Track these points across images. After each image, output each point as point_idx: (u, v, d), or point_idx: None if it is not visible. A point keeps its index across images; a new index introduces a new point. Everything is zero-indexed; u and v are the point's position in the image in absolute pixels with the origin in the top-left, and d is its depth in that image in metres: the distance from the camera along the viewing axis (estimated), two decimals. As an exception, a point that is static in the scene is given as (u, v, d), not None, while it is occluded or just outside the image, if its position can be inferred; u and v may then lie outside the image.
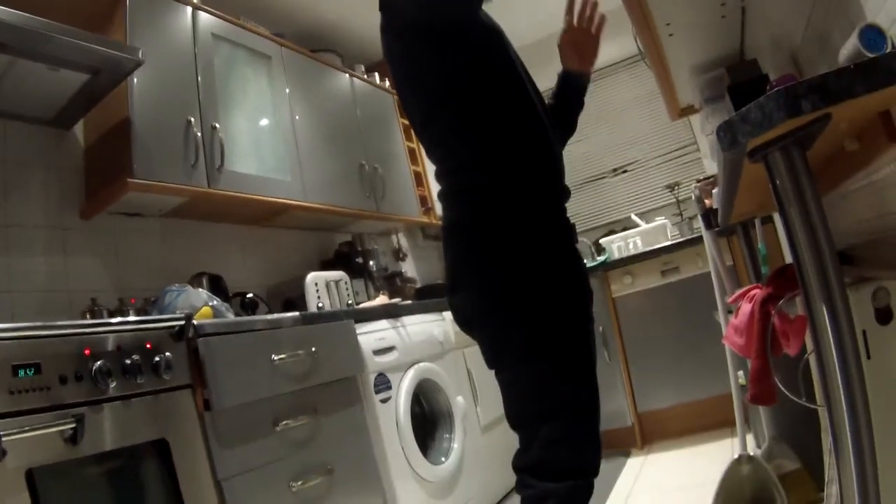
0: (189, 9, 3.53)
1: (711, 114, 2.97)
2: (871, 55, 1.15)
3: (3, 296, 2.67)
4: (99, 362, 1.93)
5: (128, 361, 2.03)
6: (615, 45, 5.52)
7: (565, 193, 1.88)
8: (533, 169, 1.78)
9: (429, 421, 3.57)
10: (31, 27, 2.37)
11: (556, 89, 2.22)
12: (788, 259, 1.83)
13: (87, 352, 1.94)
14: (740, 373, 2.95)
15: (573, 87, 2.21)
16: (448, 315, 3.74)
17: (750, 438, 3.14)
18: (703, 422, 4.33)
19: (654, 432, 4.56)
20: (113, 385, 1.96)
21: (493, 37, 1.85)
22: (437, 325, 3.78)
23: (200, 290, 2.93)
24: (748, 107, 1.00)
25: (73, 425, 1.80)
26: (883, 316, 1.45)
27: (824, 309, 1.06)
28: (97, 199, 3.07)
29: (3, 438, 1.62)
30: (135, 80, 3.01)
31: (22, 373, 1.74)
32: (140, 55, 2.77)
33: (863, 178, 1.42)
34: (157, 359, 2.13)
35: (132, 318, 2.57)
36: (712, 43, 2.87)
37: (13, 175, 2.86)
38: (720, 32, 2.77)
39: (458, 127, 1.78)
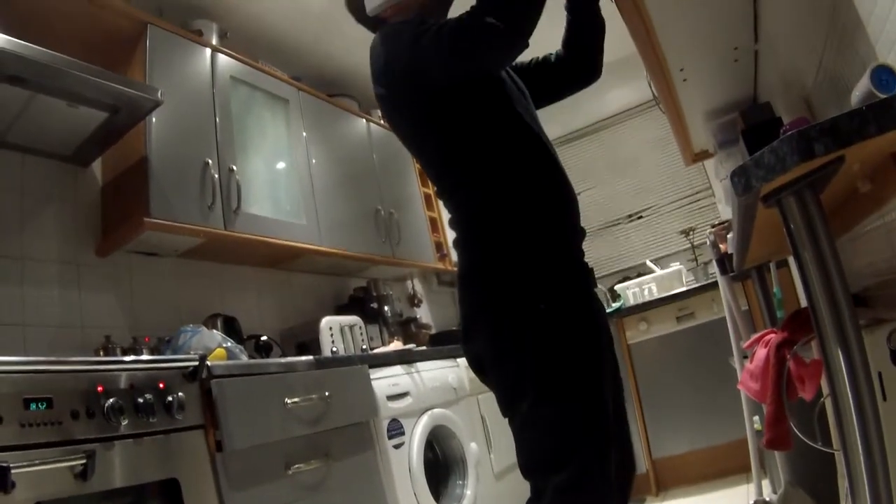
0: (208, 50, 3.59)
1: (726, 158, 2.97)
2: (882, 96, 1.16)
3: (16, 329, 2.68)
4: (111, 399, 1.93)
5: (140, 400, 2.03)
6: (629, 91, 5.57)
7: (580, 235, 1.88)
8: (546, 215, 1.79)
9: (442, 467, 3.53)
10: (52, 63, 2.41)
11: (569, 14, 2.16)
12: (804, 302, 1.82)
13: (99, 388, 1.93)
14: (756, 418, 2.91)
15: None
16: (462, 361, 3.74)
17: (766, 484, 3.10)
18: (719, 468, 4.26)
19: (669, 479, 4.50)
20: (125, 423, 1.95)
21: (490, 83, 1.85)
22: (452, 371, 3.76)
23: (215, 331, 2.93)
24: (761, 151, 1.00)
25: (83, 461, 1.79)
26: (899, 357, 1.43)
27: (839, 352, 1.05)
28: (113, 236, 3.09)
29: (13, 470, 1.61)
30: (153, 119, 3.05)
31: (34, 406, 1.74)
32: (159, 95, 2.81)
33: (876, 219, 1.41)
34: (169, 398, 2.12)
35: (146, 356, 2.58)
36: (726, 87, 2.88)
37: (30, 209, 2.89)
38: (733, 76, 2.79)
39: (469, 178, 1.80)
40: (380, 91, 1.88)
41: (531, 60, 2.18)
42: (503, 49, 1.72)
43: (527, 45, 1.72)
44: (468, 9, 1.71)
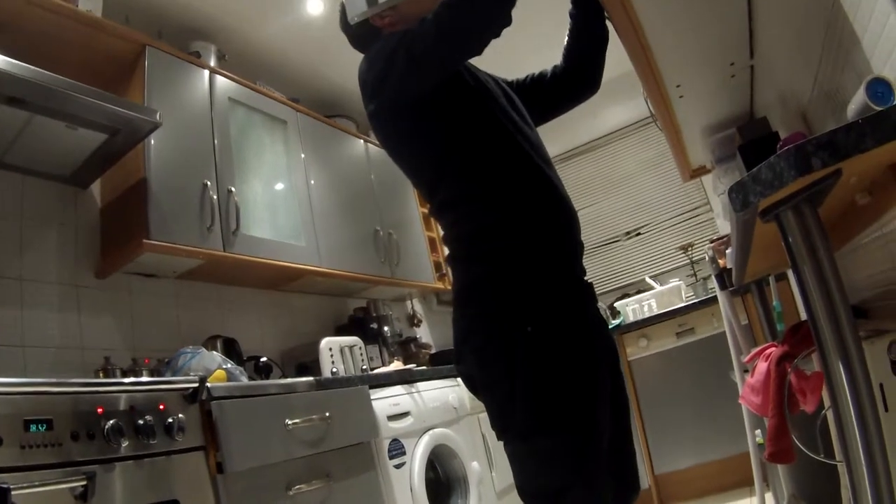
0: (206, 72, 3.61)
1: (723, 174, 2.98)
2: (878, 108, 1.16)
3: (15, 350, 2.67)
4: (111, 421, 1.93)
5: (140, 422, 2.03)
6: (626, 108, 5.60)
7: (579, 250, 1.84)
8: (540, 231, 1.75)
9: (443, 486, 3.52)
10: (51, 85, 2.42)
11: (573, 22, 2.14)
12: (804, 315, 1.82)
13: (99, 410, 1.93)
14: (758, 432, 2.91)
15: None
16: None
17: (769, 497, 3.09)
18: (722, 482, 4.26)
19: (671, 494, 4.49)
20: (125, 444, 1.95)
21: (477, 98, 1.84)
22: (452, 391, 3.75)
23: (214, 352, 2.92)
24: (759, 167, 1.01)
25: (83, 483, 1.79)
26: (899, 368, 1.43)
27: (840, 364, 1.05)
28: (113, 258, 3.10)
29: (14, 492, 1.61)
30: (152, 141, 3.06)
31: (34, 428, 1.73)
32: (157, 117, 2.82)
33: (875, 231, 1.42)
34: (169, 420, 2.12)
35: (145, 378, 2.58)
36: (722, 103, 2.89)
37: (29, 230, 2.89)
38: (730, 92, 2.80)
39: (463, 195, 1.78)
40: (370, 108, 1.86)
41: (527, 77, 2.17)
42: (489, 23, 1.69)
43: (510, 21, 1.70)
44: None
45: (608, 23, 2.11)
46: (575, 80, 2.18)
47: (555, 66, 2.18)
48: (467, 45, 1.72)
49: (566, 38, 2.17)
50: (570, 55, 2.16)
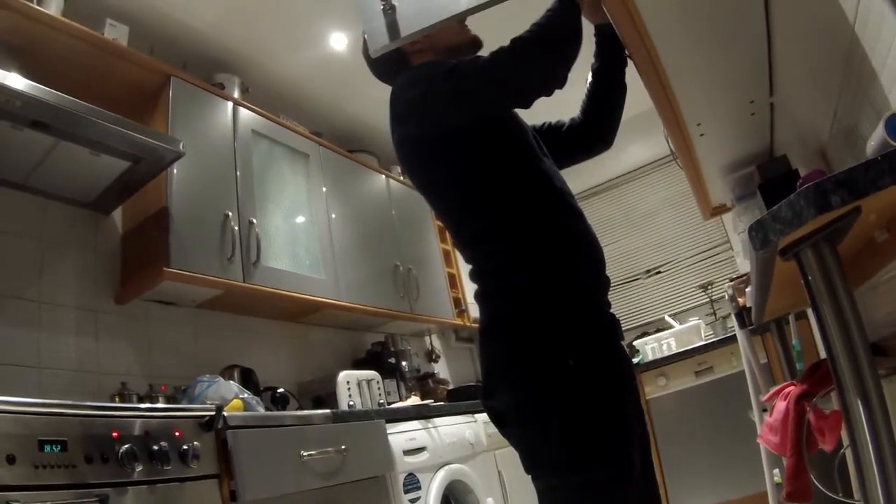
0: (230, 104, 3.65)
1: (743, 212, 2.97)
2: (897, 144, 1.16)
3: (32, 371, 2.69)
4: (126, 446, 1.93)
5: (155, 447, 2.03)
6: (647, 146, 5.60)
7: (606, 284, 1.82)
8: (572, 266, 1.73)
9: (458, 523, 3.50)
10: (76, 111, 2.46)
11: (598, 49, 2.11)
12: (823, 354, 1.80)
13: (114, 434, 1.94)
14: (776, 471, 2.88)
15: (609, 39, 2.07)
16: (480, 416, 3.73)
17: (787, 538, 3.04)
18: (739, 523, 4.20)
19: (690, 534, 4.43)
20: (139, 469, 1.95)
21: (510, 133, 1.84)
22: (469, 427, 3.73)
23: (231, 382, 2.93)
24: (779, 205, 1.01)
25: (96, 505, 1.80)
26: (918, 406, 1.42)
27: (859, 402, 1.04)
28: (132, 285, 3.12)
29: (26, 511, 1.61)
30: (174, 170, 3.10)
31: (48, 448, 1.74)
32: (181, 147, 2.86)
33: (894, 268, 1.41)
34: (184, 447, 2.12)
35: (161, 405, 2.58)
36: (742, 141, 2.89)
37: (50, 254, 2.92)
38: (750, 130, 2.79)
39: (492, 228, 1.76)
40: (401, 132, 1.86)
41: (544, 124, 2.16)
42: (542, 82, 1.70)
43: (563, 84, 1.71)
44: (508, 43, 1.70)
45: (629, 60, 2.12)
46: (591, 135, 2.17)
47: (572, 119, 2.17)
48: (518, 96, 1.74)
49: (586, 92, 2.16)
50: (589, 111, 2.15)
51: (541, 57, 1.69)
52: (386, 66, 1.96)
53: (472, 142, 1.77)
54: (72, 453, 1.80)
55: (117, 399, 2.76)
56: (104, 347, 3.01)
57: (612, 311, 1.83)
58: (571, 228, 1.79)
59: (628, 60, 2.10)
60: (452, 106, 1.74)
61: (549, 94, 1.71)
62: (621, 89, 2.14)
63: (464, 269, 2.20)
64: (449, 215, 1.89)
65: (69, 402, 1.88)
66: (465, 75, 1.71)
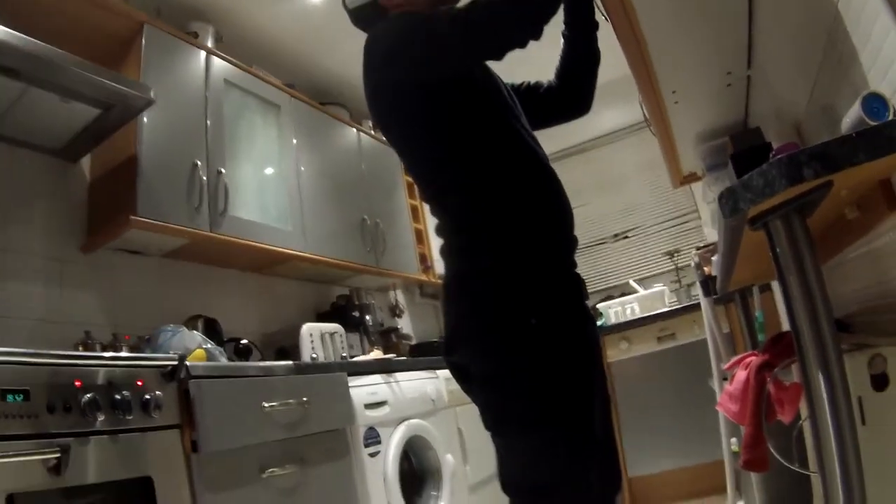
0: (203, 53, 3.60)
1: (714, 182, 2.99)
2: (873, 123, 1.16)
3: (-5, 320, 2.66)
4: (89, 395, 1.92)
5: (118, 397, 2.01)
6: (621, 112, 5.60)
7: (574, 244, 1.82)
8: (540, 223, 1.73)
9: (417, 478, 3.52)
10: (47, 57, 2.41)
11: (566, 16, 2.08)
12: (785, 327, 1.82)
13: (77, 383, 1.92)
14: (734, 440, 2.93)
15: (580, 4, 2.06)
16: (442, 373, 3.74)
17: (741, 505, 3.11)
18: (695, 488, 4.28)
19: (644, 498, 4.51)
20: (101, 419, 1.94)
21: (487, 89, 1.83)
22: (431, 383, 3.74)
23: (195, 332, 2.91)
24: (750, 174, 1.01)
25: (57, 455, 1.78)
26: (879, 382, 1.44)
27: (820, 376, 1.06)
28: (99, 233, 3.09)
29: (-14, 460, 1.60)
30: (145, 118, 3.04)
31: (10, 398, 1.73)
32: (151, 94, 2.81)
33: (862, 246, 1.42)
34: (147, 397, 2.11)
35: (125, 354, 2.56)
36: (717, 111, 2.90)
37: (17, 201, 2.88)
38: (725, 101, 2.81)
39: (460, 183, 1.74)
40: (375, 79, 1.82)
41: (522, 84, 2.14)
42: (520, 32, 1.66)
43: (539, 36, 1.67)
44: None
45: (608, 21, 2.10)
46: (566, 100, 2.16)
47: (549, 82, 2.16)
48: (493, 46, 1.69)
49: (560, 59, 2.15)
50: (563, 76, 2.14)
51: (518, 6, 1.66)
52: (364, 15, 1.92)
53: (445, 95, 1.75)
54: (34, 403, 1.78)
55: (81, 348, 2.74)
56: (69, 296, 2.98)
57: (577, 271, 1.83)
58: (541, 187, 1.78)
59: (609, 24, 2.09)
60: (429, 56, 1.71)
61: (523, 46, 1.68)
62: (594, 58, 2.12)
63: (431, 224, 2.18)
64: (417, 167, 1.87)
65: (32, 351, 1.86)
66: (439, 24, 1.68)
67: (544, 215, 1.75)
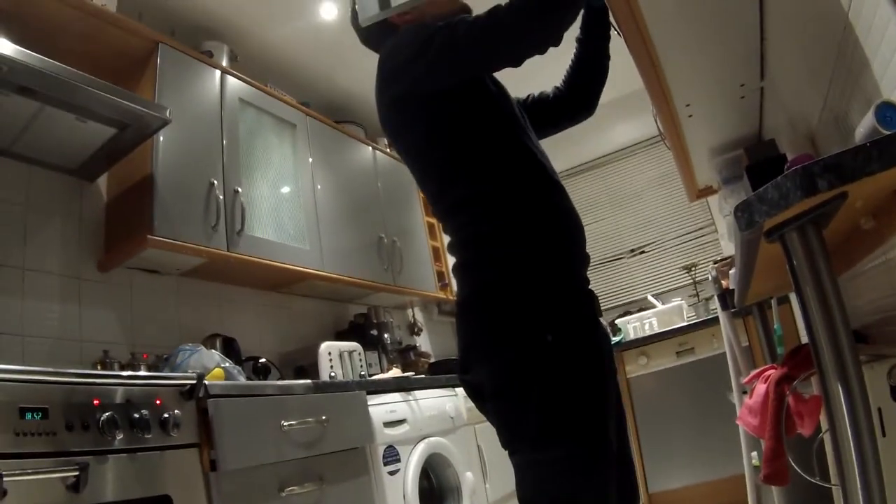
0: (218, 72, 3.63)
1: (729, 194, 2.98)
2: (886, 132, 1.16)
3: (14, 339, 2.68)
4: (107, 413, 1.92)
5: (136, 415, 2.02)
6: (635, 126, 5.60)
7: (586, 261, 1.81)
8: (552, 239, 1.71)
9: (437, 496, 3.51)
10: (63, 76, 2.44)
11: (583, 24, 2.10)
12: (804, 339, 1.81)
13: (96, 402, 1.93)
14: (754, 453, 2.91)
15: (598, 13, 2.08)
16: (460, 390, 3.73)
17: (763, 520, 3.08)
18: (716, 503, 4.24)
19: (665, 515, 4.47)
20: (119, 437, 1.94)
21: (497, 103, 1.82)
22: (450, 401, 3.74)
23: (213, 351, 2.92)
24: (765, 187, 1.00)
25: (76, 473, 1.78)
26: (898, 393, 1.43)
27: (839, 388, 1.05)
28: (116, 252, 3.11)
29: (5, 478, 1.60)
30: (160, 137, 3.07)
31: (29, 416, 1.73)
32: (167, 114, 2.83)
33: (879, 256, 1.41)
34: (165, 415, 2.12)
35: (143, 373, 2.57)
36: (731, 124, 2.89)
37: (34, 220, 2.90)
38: (739, 113, 2.80)
39: (471, 197, 1.73)
40: (389, 97, 1.83)
41: (528, 97, 2.15)
42: (540, 37, 1.66)
43: (559, 42, 1.67)
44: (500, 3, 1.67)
45: (620, 35, 2.10)
46: (574, 101, 2.17)
47: (556, 88, 2.17)
48: (513, 51, 1.69)
49: (571, 63, 2.16)
50: (573, 82, 2.16)
51: (539, 12, 1.66)
52: (374, 34, 1.93)
53: (457, 108, 1.75)
54: (53, 421, 1.79)
55: (99, 367, 2.75)
56: (87, 315, 2.99)
57: (591, 287, 1.82)
58: (552, 202, 1.77)
59: (620, 37, 2.09)
60: (445, 60, 1.71)
61: (543, 51, 1.68)
62: (605, 61, 2.14)
63: (447, 242, 2.18)
64: (430, 183, 1.86)
65: (51, 370, 1.87)
66: (458, 27, 1.68)
67: (555, 231, 1.74)
